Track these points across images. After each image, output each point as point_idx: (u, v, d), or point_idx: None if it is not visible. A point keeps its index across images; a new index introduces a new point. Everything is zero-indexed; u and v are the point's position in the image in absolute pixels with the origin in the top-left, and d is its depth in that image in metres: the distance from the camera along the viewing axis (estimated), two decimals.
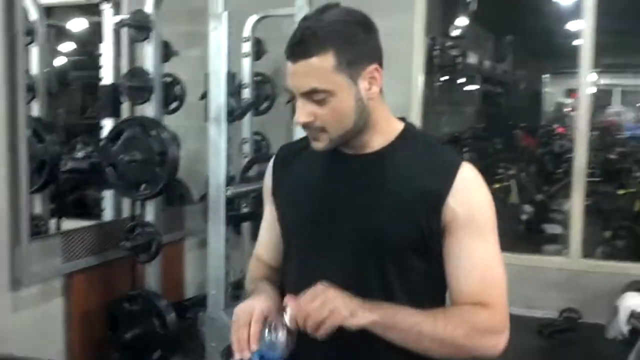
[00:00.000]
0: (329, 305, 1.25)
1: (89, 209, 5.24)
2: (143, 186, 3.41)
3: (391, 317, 1.28)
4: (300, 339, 1.36)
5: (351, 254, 1.39)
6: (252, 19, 4.30)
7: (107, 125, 4.05)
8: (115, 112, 4.18)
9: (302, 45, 1.29)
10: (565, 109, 15.72)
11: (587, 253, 4.62)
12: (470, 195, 1.36)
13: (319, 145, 1.38)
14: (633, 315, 3.35)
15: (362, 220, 1.38)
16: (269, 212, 1.59)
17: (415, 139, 1.45)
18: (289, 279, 1.51)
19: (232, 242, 3.54)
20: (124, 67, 4.52)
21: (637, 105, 17.81)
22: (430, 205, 1.34)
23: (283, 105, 4.54)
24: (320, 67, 1.29)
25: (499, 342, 1.33)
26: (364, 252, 1.38)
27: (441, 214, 1.33)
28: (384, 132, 1.42)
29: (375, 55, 1.37)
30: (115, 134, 3.51)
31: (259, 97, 4.46)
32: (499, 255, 1.38)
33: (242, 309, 1.36)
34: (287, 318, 1.29)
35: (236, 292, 3.96)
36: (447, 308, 1.37)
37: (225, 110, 3.38)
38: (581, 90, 4.62)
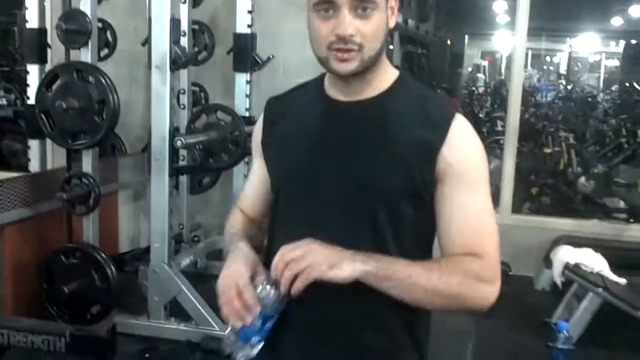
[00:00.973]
0: (307, 258, 1.23)
1: (6, 160, 5.01)
2: (81, 135, 3.26)
3: (385, 269, 1.27)
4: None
5: (342, 201, 1.36)
6: None
7: (33, 71, 3.85)
8: (42, 58, 3.97)
9: None
10: (478, 73, 16.19)
11: (515, 209, 4.81)
12: (463, 147, 1.34)
13: (349, 66, 1.31)
14: (567, 267, 3.52)
15: (354, 168, 1.36)
16: (258, 166, 1.54)
17: (409, 88, 1.42)
18: (277, 229, 1.47)
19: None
20: (48, 10, 4.30)
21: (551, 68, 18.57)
22: (424, 154, 1.32)
23: (220, 55, 4.43)
24: None
25: (492, 292, 1.33)
26: (356, 199, 1.35)
27: (435, 163, 1.32)
28: (384, 76, 1.40)
29: None
30: (49, 80, 3.32)
31: (197, 46, 4.32)
32: (491, 206, 1.39)
33: (225, 280, 1.32)
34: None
35: (177, 246, 3.90)
36: (441, 259, 1.36)
37: (169, 57, 3.27)
38: (516, 53, 4.74)
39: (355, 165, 1.36)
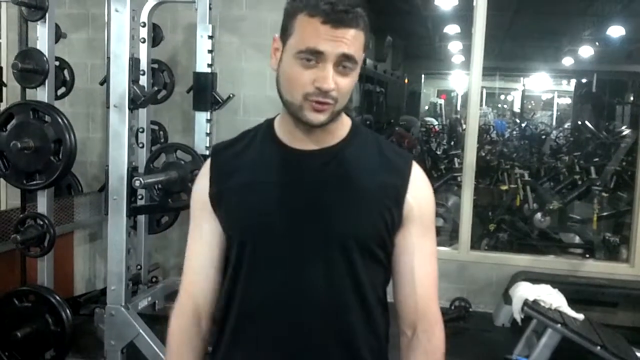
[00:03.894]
0: None
1: None
2: (37, 176, 3.20)
3: None
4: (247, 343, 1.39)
5: (319, 250, 1.36)
6: (150, 4, 4.13)
7: None
8: None
9: (349, 14, 1.28)
10: (427, 117, 16.45)
11: (473, 245, 4.85)
12: (422, 191, 1.42)
13: (322, 117, 1.32)
14: (526, 303, 3.55)
15: (329, 216, 1.37)
16: (208, 226, 1.45)
17: (363, 134, 1.47)
18: (247, 273, 1.41)
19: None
20: (4, 48, 4.26)
21: (504, 106, 19.00)
22: (394, 199, 1.38)
23: (180, 94, 4.43)
24: (358, 40, 1.31)
25: (443, 340, 1.44)
26: (334, 247, 1.36)
27: (402, 208, 1.38)
28: (342, 125, 1.43)
29: None
30: (4, 119, 3.26)
31: (156, 85, 4.30)
32: (436, 247, 1.48)
33: None
34: None
35: (135, 287, 3.82)
36: None
37: (128, 97, 3.24)
38: (471, 91, 4.84)
39: (329, 213, 1.37)
